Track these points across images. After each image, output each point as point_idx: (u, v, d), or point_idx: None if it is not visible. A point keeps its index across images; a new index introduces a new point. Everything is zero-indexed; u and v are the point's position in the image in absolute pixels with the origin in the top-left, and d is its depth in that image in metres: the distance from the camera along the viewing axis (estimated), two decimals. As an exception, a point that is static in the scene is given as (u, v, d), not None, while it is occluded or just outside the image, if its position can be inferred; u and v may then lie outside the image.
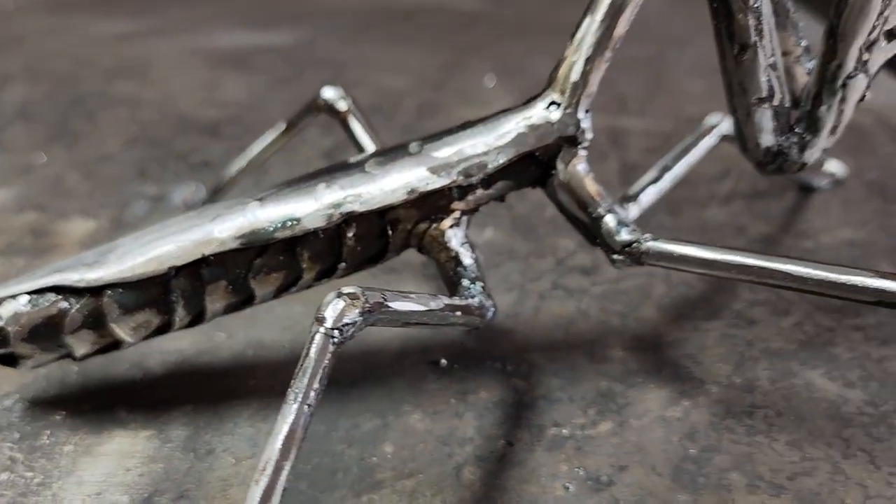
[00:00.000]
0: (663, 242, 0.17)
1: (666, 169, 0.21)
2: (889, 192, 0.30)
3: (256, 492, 0.12)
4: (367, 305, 0.13)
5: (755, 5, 0.17)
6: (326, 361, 0.13)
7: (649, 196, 0.20)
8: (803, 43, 0.20)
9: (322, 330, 0.13)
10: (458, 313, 0.16)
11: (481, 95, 0.40)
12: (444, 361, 0.21)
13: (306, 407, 0.13)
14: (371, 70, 0.44)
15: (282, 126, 0.25)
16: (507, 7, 0.59)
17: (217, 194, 0.28)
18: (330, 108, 0.22)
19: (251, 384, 0.20)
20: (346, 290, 0.14)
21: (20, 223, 0.29)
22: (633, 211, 0.19)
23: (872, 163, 0.32)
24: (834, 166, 0.31)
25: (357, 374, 0.21)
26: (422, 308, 0.15)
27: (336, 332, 0.13)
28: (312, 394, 0.13)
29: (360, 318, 0.13)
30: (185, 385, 0.21)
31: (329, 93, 0.22)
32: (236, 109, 0.39)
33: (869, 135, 0.35)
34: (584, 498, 0.17)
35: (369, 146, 0.21)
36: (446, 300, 0.16)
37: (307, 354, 0.13)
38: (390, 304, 0.14)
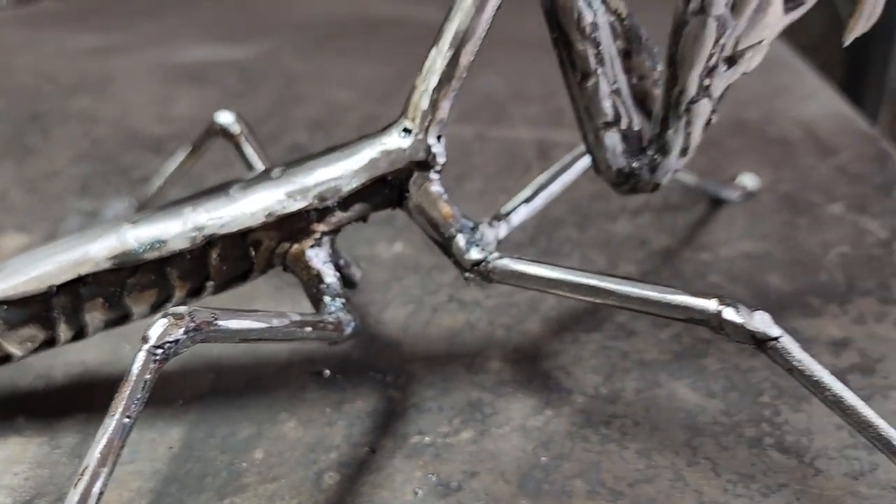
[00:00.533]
0: (511, 262, 0.18)
1: (541, 188, 0.22)
2: (799, 204, 0.31)
3: (74, 496, 0.14)
4: (193, 325, 0.15)
5: (593, 36, 0.18)
6: (148, 376, 0.14)
7: (520, 215, 0.21)
8: (659, 67, 0.21)
9: (145, 348, 0.14)
10: (309, 329, 0.17)
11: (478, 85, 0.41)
12: (327, 372, 0.22)
13: (126, 419, 0.14)
14: (322, 84, 0.45)
15: (188, 147, 0.26)
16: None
17: (142, 211, 0.29)
18: (224, 132, 0.23)
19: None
20: (173, 310, 0.15)
21: (-47, 238, 0.30)
22: (502, 229, 0.20)
23: (790, 175, 0.33)
24: (747, 179, 0.32)
25: (241, 383, 0.22)
26: (261, 325, 0.16)
27: (158, 350, 0.14)
28: (133, 406, 0.14)
29: (185, 337, 0.14)
30: (84, 395, 0.22)
31: (223, 117, 0.23)
32: (184, 125, 0.40)
33: (793, 146, 0.36)
34: (430, 502, 0.18)
35: (260, 168, 0.22)
36: (296, 317, 0.17)
37: (130, 370, 0.14)
38: (221, 322, 0.15)
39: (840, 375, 0.21)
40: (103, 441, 0.14)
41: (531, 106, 0.41)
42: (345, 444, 0.20)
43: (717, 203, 0.31)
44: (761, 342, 0.15)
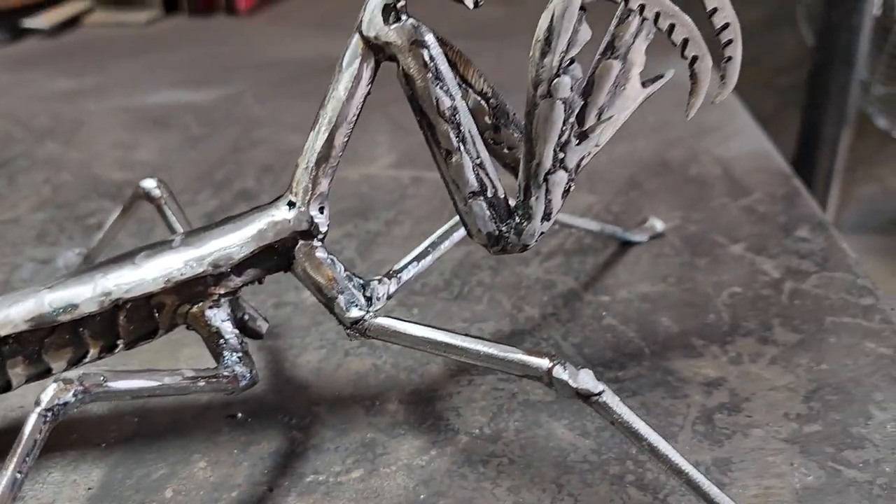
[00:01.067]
0: (384, 321, 0.20)
1: (432, 246, 0.24)
2: (702, 245, 0.33)
3: None
4: (82, 388, 0.17)
5: (453, 118, 0.20)
6: (38, 437, 0.16)
7: (411, 272, 0.23)
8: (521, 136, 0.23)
9: (37, 411, 0.16)
10: (203, 383, 0.19)
11: (369, 153, 0.44)
12: (240, 415, 0.24)
13: (18, 475, 0.16)
14: (277, 128, 0.48)
15: (120, 208, 0.28)
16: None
17: (90, 262, 0.31)
18: (148, 196, 0.25)
19: (69, 438, 0.24)
20: (63, 375, 0.17)
21: (-82, 287, 0.32)
22: (393, 286, 0.23)
23: (701, 216, 0.36)
24: (655, 222, 0.34)
25: (162, 426, 0.24)
26: (153, 384, 0.18)
27: (48, 413, 0.16)
28: (25, 463, 0.16)
29: (74, 399, 0.17)
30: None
31: (147, 183, 0.26)
32: (143, 171, 0.42)
33: (709, 186, 0.38)
34: (313, 537, 0.20)
35: (179, 228, 0.25)
36: (189, 373, 0.19)
37: (22, 431, 0.16)
38: (111, 384, 0.17)
39: (707, 415, 0.24)
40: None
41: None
42: (246, 483, 0.22)
43: (626, 245, 0.33)
44: (585, 397, 0.18)
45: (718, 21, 0.22)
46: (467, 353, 0.19)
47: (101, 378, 0.17)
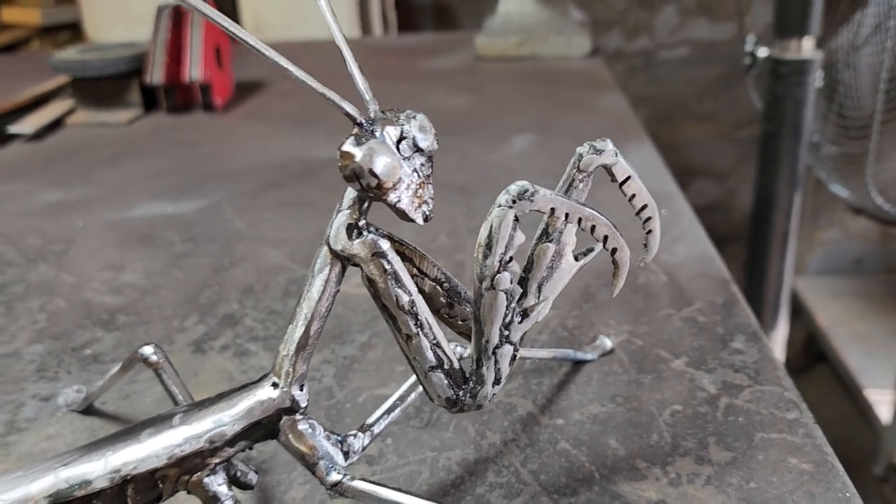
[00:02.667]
0: (360, 483, 0.24)
1: (401, 399, 0.27)
2: (647, 362, 0.37)
3: None
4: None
5: (411, 310, 0.23)
6: None
7: (381, 425, 0.26)
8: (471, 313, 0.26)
9: None
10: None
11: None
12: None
13: None
14: (256, 244, 0.51)
15: (118, 365, 0.31)
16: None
17: (89, 402, 0.34)
18: (146, 360, 0.29)
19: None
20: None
21: (-71, 430, 0.35)
22: (365, 440, 0.26)
23: (645, 330, 0.39)
24: (605, 340, 0.37)
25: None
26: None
27: None
28: None
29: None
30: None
31: (145, 350, 0.29)
32: (131, 295, 0.45)
33: (655, 297, 0.42)
34: None
35: (177, 393, 0.28)
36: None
37: None
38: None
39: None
40: None
41: (439, 260, 0.47)
42: None
43: (578, 363, 0.37)
44: None
45: (637, 204, 0.26)
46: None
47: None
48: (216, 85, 0.82)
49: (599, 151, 0.25)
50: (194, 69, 0.79)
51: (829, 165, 1.02)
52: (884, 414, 1.41)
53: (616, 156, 0.25)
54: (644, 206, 0.26)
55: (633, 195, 0.25)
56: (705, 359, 0.37)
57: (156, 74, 0.79)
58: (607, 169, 0.25)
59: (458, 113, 0.77)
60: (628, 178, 0.25)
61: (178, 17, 0.81)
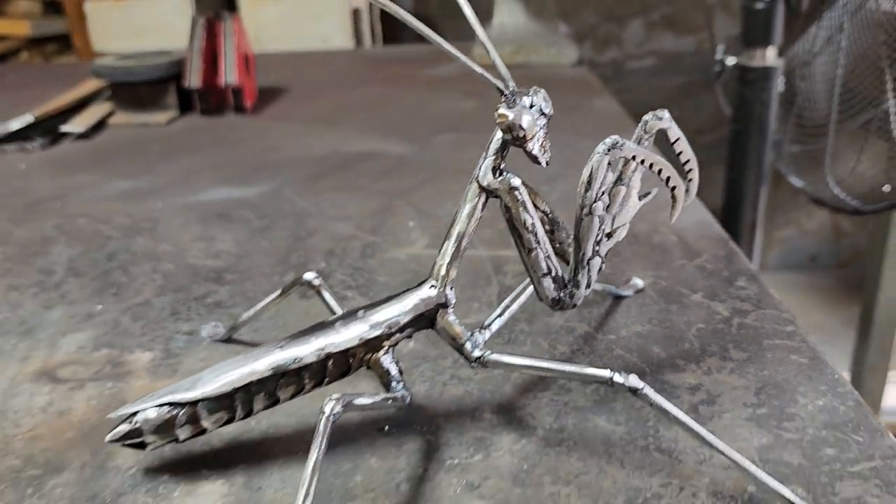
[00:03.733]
0: (496, 356, 0.32)
1: (507, 308, 0.36)
2: (672, 295, 0.46)
3: (300, 494, 0.27)
4: (342, 402, 0.28)
5: (533, 230, 0.33)
6: (328, 430, 0.28)
7: (496, 325, 0.35)
8: (570, 238, 0.36)
9: (324, 416, 0.28)
10: (389, 402, 0.31)
11: (406, 237, 0.56)
12: (387, 428, 0.36)
13: (320, 454, 0.27)
14: (323, 219, 0.60)
15: (278, 291, 0.40)
16: (425, 151, 0.75)
17: (235, 331, 0.42)
18: (309, 284, 0.37)
19: (276, 448, 0.35)
20: (333, 395, 0.28)
21: (99, 357, 0.43)
22: (487, 335, 0.35)
23: (666, 274, 0.49)
24: (637, 280, 0.47)
25: (339, 440, 0.35)
26: (370, 401, 0.30)
27: (331, 417, 0.28)
28: (322, 447, 0.27)
29: (341, 409, 0.28)
30: (239, 452, 0.35)
31: (308, 275, 0.37)
32: (229, 259, 0.54)
33: (669, 251, 0.52)
34: (464, 495, 0.31)
35: (335, 307, 0.36)
36: (384, 395, 0.31)
37: (317, 429, 0.28)
38: (354, 401, 0.29)
39: (693, 407, 0.36)
40: (310, 465, 0.27)
41: (485, 229, 0.56)
42: (408, 467, 0.33)
43: (618, 299, 0.46)
44: (634, 391, 0.30)
45: (683, 158, 0.35)
46: (555, 371, 0.31)
47: (350, 399, 0.29)
48: (247, 89, 0.90)
49: (660, 118, 0.34)
50: (229, 74, 0.87)
51: (790, 162, 1.14)
52: (839, 394, 1.52)
53: (671, 122, 0.35)
54: (688, 160, 0.35)
55: (681, 151, 0.35)
56: (717, 293, 0.46)
57: (193, 79, 0.87)
58: (664, 131, 0.35)
59: (470, 115, 0.87)
60: (678, 139, 0.35)
61: (212, 28, 0.89)
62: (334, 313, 0.37)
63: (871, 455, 0.33)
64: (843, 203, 1.01)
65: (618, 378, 0.30)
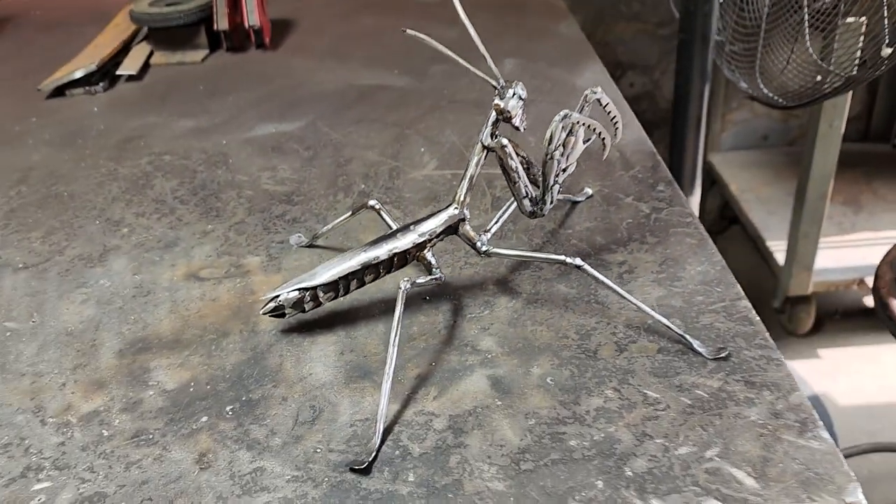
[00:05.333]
0: (496, 249, 0.53)
1: (500, 217, 0.57)
2: (611, 200, 0.66)
3: (392, 335, 0.48)
4: (410, 281, 0.49)
5: (517, 171, 0.52)
6: (404, 298, 0.48)
7: (492, 230, 0.56)
8: (540, 172, 0.55)
9: (402, 288, 0.48)
10: (433, 281, 0.52)
11: (420, 160, 0.75)
12: (428, 297, 0.56)
13: (400, 312, 0.48)
14: (355, 148, 0.79)
15: (348, 213, 0.60)
16: (425, 82, 0.93)
17: (315, 239, 0.63)
18: (372, 208, 0.57)
19: (360, 314, 0.55)
20: (405, 278, 0.49)
21: (224, 262, 0.63)
22: (488, 235, 0.55)
23: (609, 183, 0.69)
24: (587, 190, 0.67)
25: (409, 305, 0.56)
26: (424, 280, 0.51)
27: (404, 290, 0.48)
28: (401, 309, 0.48)
29: (410, 285, 0.49)
30: (338, 318, 0.56)
31: (371, 202, 0.57)
32: (292, 185, 0.73)
33: (613, 165, 0.72)
34: (478, 336, 0.53)
35: (393, 224, 0.56)
36: (429, 276, 0.51)
37: (398, 298, 0.48)
38: (417, 280, 0.49)
39: (619, 275, 0.57)
40: (395, 319, 0.48)
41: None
42: (445, 316, 0.54)
43: (574, 204, 0.66)
44: (578, 267, 0.50)
45: (611, 115, 0.55)
46: (531, 257, 0.52)
47: (412, 279, 0.49)
48: (265, 27, 1.06)
49: (595, 93, 0.53)
50: (251, 16, 1.03)
51: (730, 61, 1.32)
52: (780, 259, 1.77)
53: (602, 93, 0.54)
54: (614, 117, 0.55)
55: (609, 111, 0.54)
56: (643, 196, 0.67)
57: (221, 22, 1.03)
58: (598, 100, 0.54)
59: (456, 42, 1.04)
60: (608, 103, 0.54)
61: (232, -25, 1.04)
62: (391, 227, 0.57)
63: (723, 299, 0.54)
64: (772, 100, 1.20)
65: (568, 260, 0.50)
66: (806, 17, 1.10)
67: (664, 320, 0.50)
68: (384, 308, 0.56)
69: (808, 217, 1.63)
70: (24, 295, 0.60)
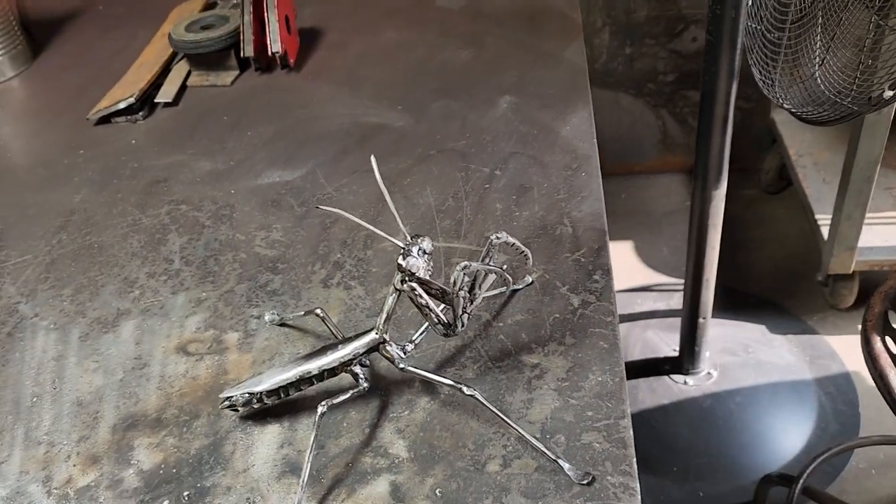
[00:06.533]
0: (411, 368, 0.62)
1: (425, 329, 0.65)
2: (547, 289, 0.73)
3: (309, 448, 0.59)
4: (327, 405, 0.59)
5: (426, 305, 0.60)
6: (319, 422, 0.59)
7: (418, 339, 0.65)
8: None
9: (317, 413, 0.59)
10: (354, 394, 0.62)
11: (394, 229, 0.84)
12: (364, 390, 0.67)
13: (317, 436, 0.59)
14: (344, 206, 0.87)
15: (301, 312, 0.70)
16: (422, 122, 1.00)
17: (283, 320, 0.73)
18: (317, 314, 0.67)
19: (304, 408, 0.66)
20: (322, 403, 0.59)
21: (208, 336, 0.74)
22: (410, 346, 0.64)
23: (552, 268, 0.76)
24: (529, 277, 0.74)
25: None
26: (342, 399, 0.61)
27: (324, 409, 0.59)
28: (316, 432, 0.59)
29: (326, 409, 0.59)
30: (285, 410, 0.67)
31: (317, 310, 0.67)
32: (280, 249, 0.83)
33: (562, 244, 0.78)
34: (392, 438, 0.63)
35: (334, 332, 0.66)
36: (351, 392, 0.61)
37: (315, 420, 0.58)
38: (334, 401, 0.60)
39: (528, 380, 0.65)
40: (311, 441, 0.58)
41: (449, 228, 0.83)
42: (369, 417, 0.64)
43: (514, 292, 0.74)
44: (471, 396, 0.59)
45: (519, 251, 0.62)
46: (434, 380, 0.61)
47: (331, 402, 0.59)
48: (289, 49, 1.14)
49: (499, 238, 0.60)
50: (274, 44, 1.11)
51: (755, 64, 1.30)
52: (825, 234, 1.77)
53: (507, 236, 0.61)
54: (522, 251, 0.62)
55: (518, 248, 0.61)
56: (578, 286, 0.73)
57: (247, 49, 1.12)
58: (504, 242, 0.61)
59: (466, 66, 1.09)
60: (514, 243, 0.61)
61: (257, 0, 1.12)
62: (335, 336, 0.67)
63: (609, 416, 0.62)
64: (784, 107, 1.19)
65: (465, 390, 0.59)
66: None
67: (541, 446, 0.59)
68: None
69: (852, 200, 1.62)
70: (51, 359, 0.74)
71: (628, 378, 1.76)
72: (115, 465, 0.64)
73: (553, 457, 0.58)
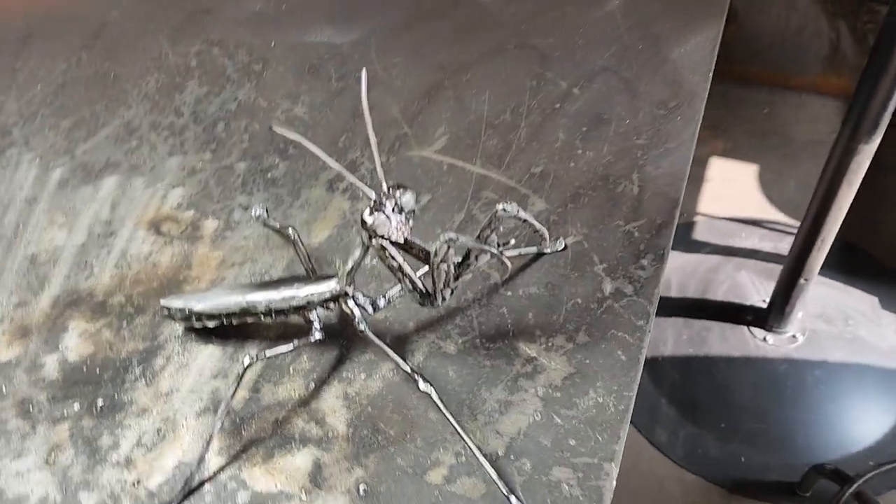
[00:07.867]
0: (370, 334, 0.51)
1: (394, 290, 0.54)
2: (578, 263, 0.59)
3: (227, 396, 0.50)
4: (263, 353, 0.49)
5: (399, 268, 0.48)
6: (243, 376, 0.49)
7: (382, 304, 0.53)
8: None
9: (243, 363, 0.49)
10: (302, 343, 0.52)
11: (431, 135, 0.70)
12: (323, 338, 0.56)
13: (234, 389, 0.49)
14: (386, 92, 0.74)
15: (276, 224, 0.59)
16: (510, 4, 0.82)
17: (268, 221, 0.63)
18: (287, 238, 0.56)
19: (273, 333, 0.57)
20: (249, 353, 0.49)
21: (186, 217, 0.65)
22: (382, 302, 0.53)
23: (596, 235, 0.61)
24: (563, 240, 0.60)
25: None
26: (285, 349, 0.51)
27: (248, 362, 0.49)
28: (237, 386, 0.49)
29: (253, 360, 0.49)
30: (233, 333, 0.58)
31: (289, 230, 0.56)
32: (298, 128, 0.71)
33: (619, 206, 0.63)
34: (336, 403, 0.53)
35: (301, 259, 0.55)
36: (297, 341, 0.51)
37: (237, 374, 0.49)
38: (268, 352, 0.50)
39: (515, 377, 0.53)
40: (225, 399, 0.49)
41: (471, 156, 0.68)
42: (321, 373, 0.55)
43: (539, 255, 0.60)
44: (425, 392, 0.48)
45: (535, 227, 0.48)
46: (398, 364, 0.50)
47: (263, 353, 0.50)
48: None
49: (506, 210, 0.46)
50: None
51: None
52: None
53: (518, 209, 0.47)
54: (536, 229, 0.48)
55: (531, 224, 0.48)
56: (618, 267, 0.59)
57: None
58: (514, 216, 0.47)
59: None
60: (526, 218, 0.47)
61: None
62: (304, 264, 0.56)
63: (595, 452, 0.50)
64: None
65: (421, 385, 0.48)
66: None
67: (494, 475, 0.47)
68: (281, 331, 0.56)
69: None
70: (24, 199, 0.67)
71: (703, 318, 1.61)
72: (43, 346, 0.57)
73: (505, 492, 0.47)
